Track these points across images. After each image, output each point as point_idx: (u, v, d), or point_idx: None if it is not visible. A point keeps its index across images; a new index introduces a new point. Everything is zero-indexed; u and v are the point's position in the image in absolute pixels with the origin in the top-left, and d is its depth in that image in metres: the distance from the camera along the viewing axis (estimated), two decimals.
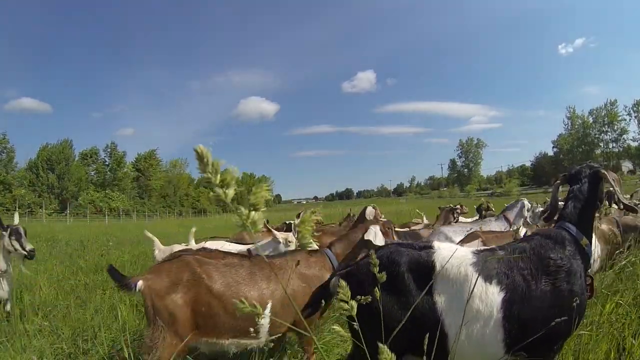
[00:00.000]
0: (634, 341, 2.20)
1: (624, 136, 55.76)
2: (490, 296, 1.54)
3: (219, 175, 0.73)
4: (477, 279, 1.54)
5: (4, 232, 3.23)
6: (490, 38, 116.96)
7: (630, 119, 54.88)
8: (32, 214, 34.11)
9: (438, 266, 1.61)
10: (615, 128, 55.97)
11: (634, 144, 55.30)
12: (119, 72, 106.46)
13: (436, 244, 1.74)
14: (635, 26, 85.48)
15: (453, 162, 77.09)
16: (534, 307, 1.54)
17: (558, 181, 1.96)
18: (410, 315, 1.51)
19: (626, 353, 2.18)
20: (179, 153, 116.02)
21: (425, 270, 1.61)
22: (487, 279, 1.56)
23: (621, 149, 56.54)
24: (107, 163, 51.41)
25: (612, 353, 2.12)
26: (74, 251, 7.78)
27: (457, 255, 1.64)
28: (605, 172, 1.80)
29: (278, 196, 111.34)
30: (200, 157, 0.73)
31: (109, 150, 52.11)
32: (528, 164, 70.47)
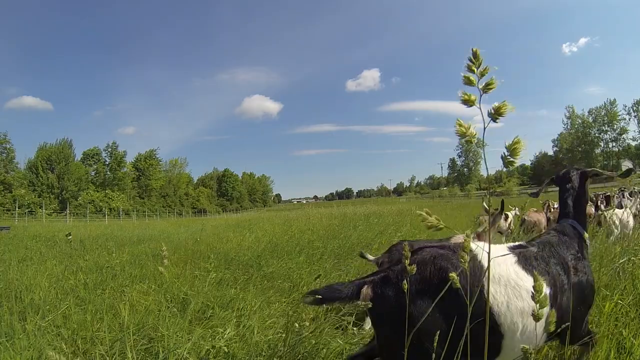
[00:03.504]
0: (634, 341, 2.20)
1: (624, 135, 55.82)
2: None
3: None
4: (526, 277, 1.59)
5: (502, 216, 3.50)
6: (494, 37, 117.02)
7: (630, 119, 54.94)
8: (32, 214, 34.10)
9: (485, 268, 1.57)
10: (615, 127, 55.99)
11: (633, 144, 55.35)
12: (120, 71, 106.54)
13: (472, 245, 1.66)
14: (639, 25, 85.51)
15: (453, 161, 77.16)
16: (568, 296, 1.65)
17: (547, 180, 2.22)
18: (462, 321, 1.39)
19: (626, 353, 2.18)
20: (180, 152, 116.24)
21: (473, 273, 1.55)
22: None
23: (621, 149, 56.55)
24: (107, 163, 51.41)
25: (612, 353, 2.11)
26: (73, 251, 7.78)
27: (499, 254, 1.64)
28: (588, 170, 2.09)
29: (278, 195, 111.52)
30: (474, 55, 0.88)
31: (109, 150, 52.13)
32: (528, 163, 70.53)
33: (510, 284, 1.57)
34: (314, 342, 2.56)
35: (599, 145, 57.98)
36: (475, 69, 0.89)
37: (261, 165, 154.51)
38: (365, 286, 1.62)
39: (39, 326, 2.88)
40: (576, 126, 59.15)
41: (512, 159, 0.90)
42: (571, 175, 2.04)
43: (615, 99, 55.65)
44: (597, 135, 57.66)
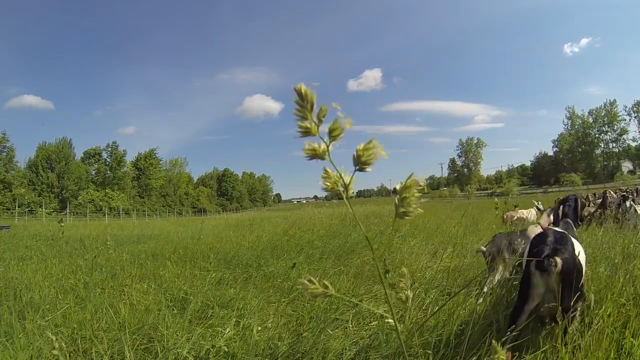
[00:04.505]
0: (634, 341, 2.20)
1: (624, 136, 55.83)
2: (584, 254, 2.54)
3: (315, 125, 0.64)
4: (577, 242, 2.56)
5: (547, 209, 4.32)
6: (494, 37, 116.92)
7: (630, 119, 54.94)
8: (32, 213, 34.09)
9: (574, 240, 2.50)
10: (615, 128, 56.00)
11: (633, 144, 55.36)
12: (120, 71, 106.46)
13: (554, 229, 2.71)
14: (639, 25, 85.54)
15: (453, 161, 77.16)
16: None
17: (558, 203, 3.71)
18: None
19: (626, 353, 2.17)
20: (180, 152, 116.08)
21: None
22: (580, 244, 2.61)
23: (621, 149, 56.56)
24: (107, 162, 51.39)
25: (612, 353, 2.11)
26: (73, 250, 7.78)
27: (566, 233, 2.59)
28: (579, 198, 3.65)
29: (278, 195, 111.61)
30: (301, 97, 0.63)
31: (109, 149, 52.12)
32: (528, 163, 70.53)
33: (579, 248, 2.49)
34: (312, 341, 2.56)
35: (599, 146, 58.01)
36: (309, 114, 0.64)
37: (261, 165, 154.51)
38: (556, 257, 2.23)
39: (38, 325, 2.88)
40: (576, 127, 59.17)
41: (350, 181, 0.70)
42: (570, 198, 3.63)
43: (615, 100, 55.77)
44: (597, 135, 57.68)
